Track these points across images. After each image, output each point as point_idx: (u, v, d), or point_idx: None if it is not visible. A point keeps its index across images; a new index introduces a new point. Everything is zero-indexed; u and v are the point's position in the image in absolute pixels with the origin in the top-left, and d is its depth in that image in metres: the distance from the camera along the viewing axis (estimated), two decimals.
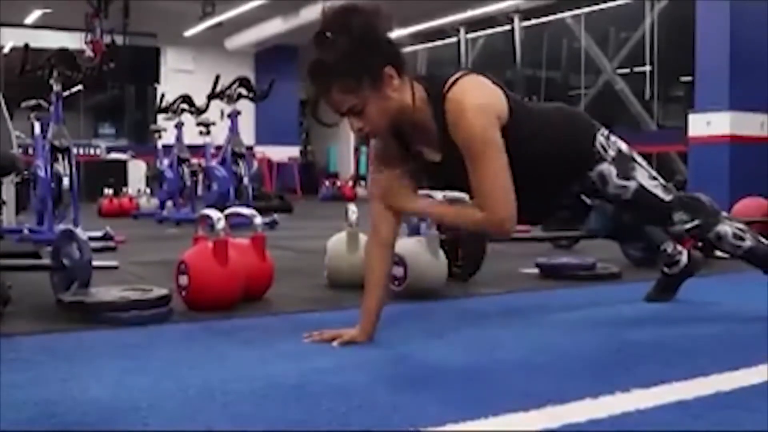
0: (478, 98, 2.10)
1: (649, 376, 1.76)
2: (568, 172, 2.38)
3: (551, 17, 13.25)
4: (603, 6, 12.44)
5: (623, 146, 2.44)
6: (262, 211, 3.48)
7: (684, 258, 2.80)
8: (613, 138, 2.42)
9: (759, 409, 1.55)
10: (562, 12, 13.04)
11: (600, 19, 12.69)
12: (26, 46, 5.40)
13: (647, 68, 11.82)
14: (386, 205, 2.23)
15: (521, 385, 1.74)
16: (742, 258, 2.48)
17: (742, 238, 2.43)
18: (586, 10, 12.74)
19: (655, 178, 2.42)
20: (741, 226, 2.47)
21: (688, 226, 2.42)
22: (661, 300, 2.85)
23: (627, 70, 12.31)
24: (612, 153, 2.38)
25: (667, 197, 2.41)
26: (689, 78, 8.50)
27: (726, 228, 2.43)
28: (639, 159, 2.44)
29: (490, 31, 14.40)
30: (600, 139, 2.39)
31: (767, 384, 1.74)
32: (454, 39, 15.12)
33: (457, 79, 2.11)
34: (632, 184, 2.38)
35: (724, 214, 2.48)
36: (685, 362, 1.97)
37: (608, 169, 2.37)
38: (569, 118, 2.44)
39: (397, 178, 2.25)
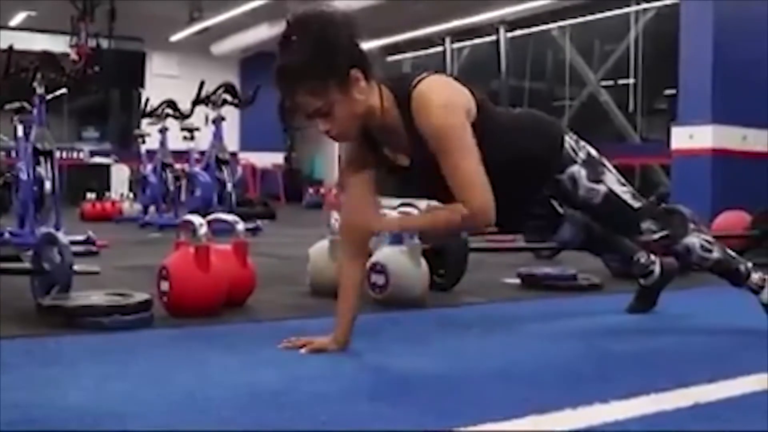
0: (445, 92, 2.10)
1: (628, 387, 1.77)
2: (539, 174, 2.40)
3: (537, 28, 13.31)
4: (588, 18, 12.51)
5: (592, 150, 2.45)
6: (245, 218, 3.47)
7: (657, 268, 2.82)
8: (582, 142, 2.44)
9: (737, 420, 1.57)
10: (547, 23, 13.10)
11: (585, 32, 12.75)
12: (10, 48, 5.37)
13: (631, 81, 11.89)
14: (353, 226, 2.21)
15: (501, 394, 1.75)
16: (710, 270, 2.50)
17: (709, 251, 2.46)
18: (572, 22, 12.80)
19: (624, 185, 2.44)
20: (709, 238, 2.50)
21: (656, 236, 2.43)
22: (642, 310, 2.87)
23: (611, 83, 12.37)
24: (582, 155, 2.40)
25: (636, 204, 2.43)
26: (673, 91, 8.56)
27: (694, 240, 2.45)
28: (608, 164, 2.46)
29: (475, 41, 14.45)
30: (569, 140, 2.41)
31: (746, 396, 1.76)
32: (439, 48, 15.15)
33: (422, 78, 2.10)
34: (602, 188, 2.39)
35: (693, 225, 2.50)
36: (665, 373, 1.98)
37: (579, 171, 2.38)
38: (537, 121, 2.46)
39: (363, 197, 2.22)
